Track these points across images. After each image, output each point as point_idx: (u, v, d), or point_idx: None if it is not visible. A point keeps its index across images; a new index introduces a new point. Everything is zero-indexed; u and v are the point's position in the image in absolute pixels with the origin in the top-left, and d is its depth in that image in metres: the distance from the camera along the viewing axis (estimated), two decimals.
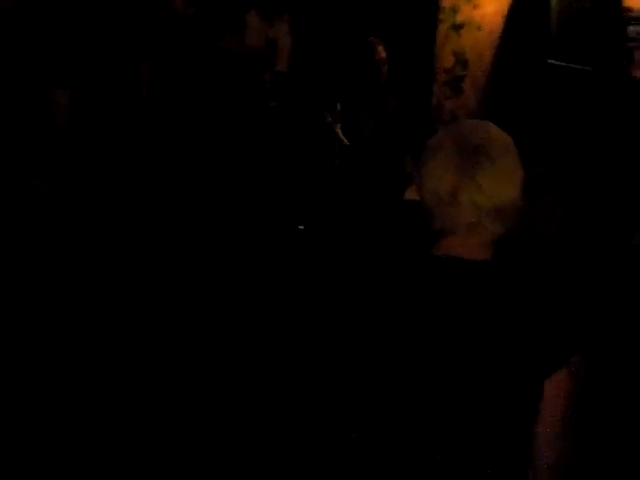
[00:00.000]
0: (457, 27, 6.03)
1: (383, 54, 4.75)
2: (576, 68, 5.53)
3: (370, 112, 4.53)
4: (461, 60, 6.07)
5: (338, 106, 4.18)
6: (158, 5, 4.15)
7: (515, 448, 1.70)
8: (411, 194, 3.29)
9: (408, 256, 1.78)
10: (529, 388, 1.66)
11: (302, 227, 3.53)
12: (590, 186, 3.81)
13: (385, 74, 4.72)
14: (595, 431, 2.37)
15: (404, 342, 1.70)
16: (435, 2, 5.94)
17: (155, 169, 3.62)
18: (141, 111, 3.90)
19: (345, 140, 3.94)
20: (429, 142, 1.80)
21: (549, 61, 5.63)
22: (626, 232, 3.07)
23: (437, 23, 5.93)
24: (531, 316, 1.68)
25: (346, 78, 4.59)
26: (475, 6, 6.05)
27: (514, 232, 1.78)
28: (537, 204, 3.35)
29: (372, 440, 1.74)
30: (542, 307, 1.69)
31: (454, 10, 5.99)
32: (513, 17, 6.20)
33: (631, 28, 5.86)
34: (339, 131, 3.96)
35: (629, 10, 6.06)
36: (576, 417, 1.70)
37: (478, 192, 1.70)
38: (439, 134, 1.81)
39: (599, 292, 2.73)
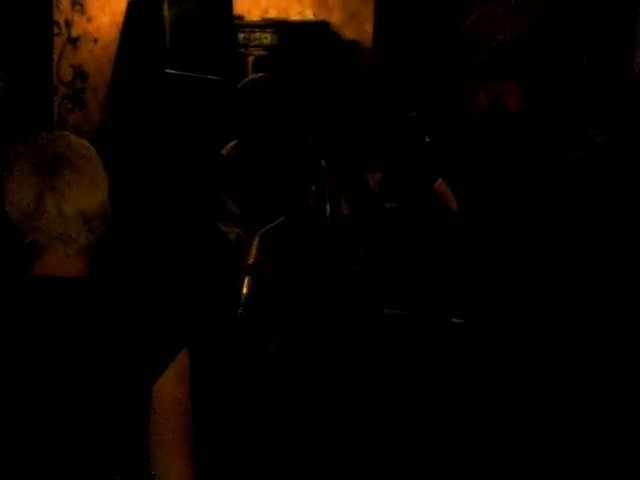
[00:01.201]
0: (73, 40, 6.01)
1: None
2: (191, 76, 5.75)
3: None
4: (80, 73, 6.06)
5: None
6: None
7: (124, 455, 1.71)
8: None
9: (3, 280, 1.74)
10: (138, 392, 1.70)
11: None
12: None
13: (0, 91, 4.62)
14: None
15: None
16: (49, 16, 5.87)
17: None
18: None
19: None
20: (8, 156, 1.76)
21: (166, 70, 5.80)
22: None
23: (52, 37, 5.87)
24: (128, 327, 1.71)
25: None
26: (89, 19, 6.07)
27: (109, 240, 1.82)
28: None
29: None
30: (137, 316, 1.73)
31: (68, 24, 5.96)
32: (128, 28, 6.30)
33: (241, 35, 6.22)
34: None
35: (239, 17, 6.42)
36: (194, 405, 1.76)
37: (62, 201, 1.69)
38: (17, 147, 1.77)
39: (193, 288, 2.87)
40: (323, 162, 3.11)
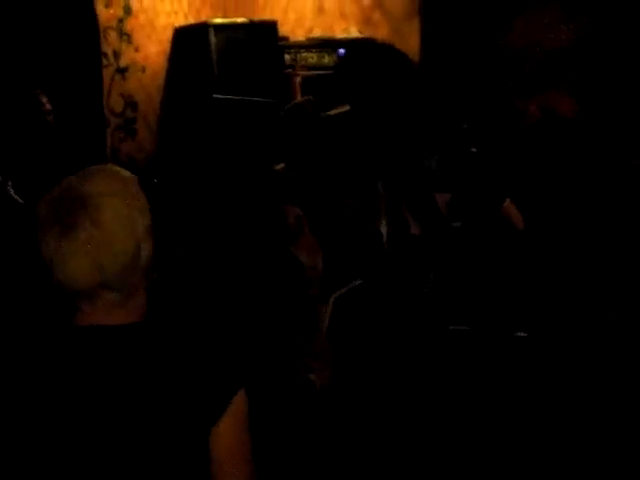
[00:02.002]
0: (122, 70, 6.09)
1: (48, 105, 4.70)
2: (239, 99, 5.78)
3: (43, 166, 4.46)
4: (130, 103, 6.14)
5: (7, 164, 4.08)
6: None
7: None
8: None
9: (48, 331, 1.67)
10: (197, 439, 1.61)
11: None
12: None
13: (52, 124, 4.68)
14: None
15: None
16: (97, 48, 5.96)
17: None
18: None
19: (19, 199, 3.85)
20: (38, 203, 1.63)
21: (214, 95, 5.83)
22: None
23: (101, 69, 5.95)
24: (180, 373, 1.61)
25: (11, 132, 4.49)
26: (136, 48, 6.15)
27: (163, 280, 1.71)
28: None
29: None
30: (189, 361, 1.63)
31: (116, 54, 6.05)
32: (175, 55, 6.37)
33: (287, 56, 6.23)
34: (11, 190, 3.86)
35: (284, 39, 6.44)
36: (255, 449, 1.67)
37: (79, 254, 1.55)
38: (41, 201, 1.62)
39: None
40: (380, 185, 3.05)
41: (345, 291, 2.54)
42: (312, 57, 6.05)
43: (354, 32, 6.11)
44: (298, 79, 6.05)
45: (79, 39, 5.85)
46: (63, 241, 1.57)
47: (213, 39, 6.09)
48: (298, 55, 6.18)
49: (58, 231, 1.57)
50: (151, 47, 6.25)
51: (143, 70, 6.21)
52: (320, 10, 6.35)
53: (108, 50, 6.02)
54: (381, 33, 5.97)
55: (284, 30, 6.50)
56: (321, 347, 2.44)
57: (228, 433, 1.62)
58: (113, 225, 1.58)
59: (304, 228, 2.61)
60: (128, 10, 6.08)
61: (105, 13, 5.95)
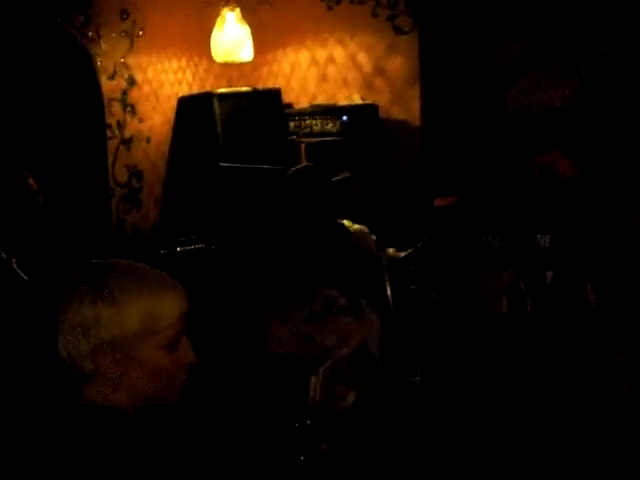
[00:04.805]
0: (126, 141, 6.11)
1: (35, 186, 4.79)
2: (246, 167, 5.80)
3: (42, 242, 4.51)
4: (135, 173, 6.15)
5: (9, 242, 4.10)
6: None
7: None
8: None
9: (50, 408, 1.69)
10: None
11: None
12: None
13: (41, 204, 4.76)
14: None
15: None
16: (101, 120, 5.99)
17: None
18: None
19: (23, 275, 3.86)
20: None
21: (220, 164, 5.85)
22: None
23: (105, 141, 5.98)
24: None
25: (5, 214, 4.57)
26: (141, 119, 6.18)
27: None
28: None
29: None
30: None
31: (120, 126, 6.08)
32: (180, 125, 6.40)
33: (291, 123, 6.26)
34: (16, 267, 3.87)
35: (288, 106, 6.48)
36: None
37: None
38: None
39: None
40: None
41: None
42: (316, 124, 6.08)
43: (357, 99, 6.15)
44: (303, 146, 6.08)
45: (84, 112, 5.89)
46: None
47: (217, 108, 6.11)
48: (302, 122, 6.21)
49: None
50: (156, 117, 6.28)
51: (148, 140, 6.23)
52: (323, 78, 6.40)
53: (112, 121, 6.04)
54: (383, 99, 6.03)
55: (288, 98, 6.55)
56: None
57: None
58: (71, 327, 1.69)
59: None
60: (132, 81, 6.12)
61: (109, 85, 5.99)
